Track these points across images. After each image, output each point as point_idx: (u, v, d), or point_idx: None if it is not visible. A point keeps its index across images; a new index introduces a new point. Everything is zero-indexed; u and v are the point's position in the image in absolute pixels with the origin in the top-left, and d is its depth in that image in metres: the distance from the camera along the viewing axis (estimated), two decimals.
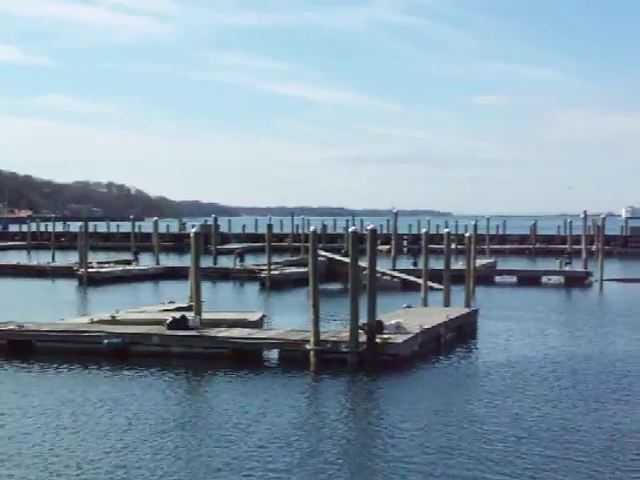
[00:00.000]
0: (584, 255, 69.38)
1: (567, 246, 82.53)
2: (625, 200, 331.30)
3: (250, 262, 76.09)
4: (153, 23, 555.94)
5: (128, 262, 75.76)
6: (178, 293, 47.26)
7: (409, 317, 34.49)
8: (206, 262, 63.17)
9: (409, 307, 39.50)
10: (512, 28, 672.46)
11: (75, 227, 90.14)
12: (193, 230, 36.74)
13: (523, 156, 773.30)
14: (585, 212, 78.79)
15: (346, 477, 17.29)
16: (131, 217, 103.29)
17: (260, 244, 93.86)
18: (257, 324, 35.15)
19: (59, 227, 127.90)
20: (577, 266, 68.52)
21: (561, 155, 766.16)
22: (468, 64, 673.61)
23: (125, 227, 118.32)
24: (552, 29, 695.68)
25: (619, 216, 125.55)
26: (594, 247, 71.90)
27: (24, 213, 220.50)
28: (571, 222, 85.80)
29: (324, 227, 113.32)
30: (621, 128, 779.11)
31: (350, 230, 34.25)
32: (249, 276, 65.61)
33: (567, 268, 67.93)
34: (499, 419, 21.91)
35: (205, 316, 33.77)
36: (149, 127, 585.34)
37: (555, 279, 65.38)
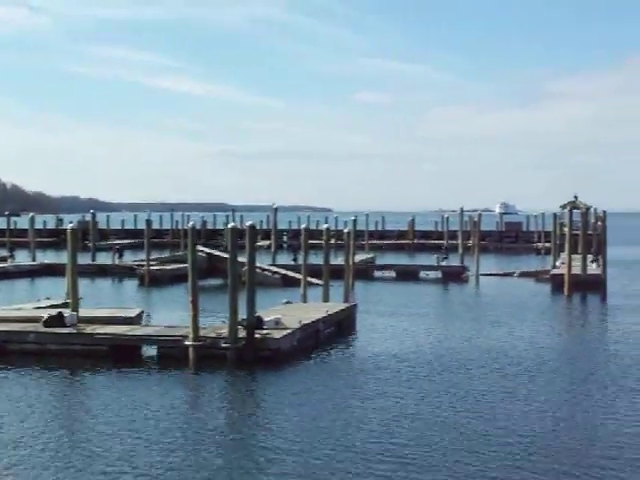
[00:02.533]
0: (460, 250, 70.78)
1: (444, 241, 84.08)
2: (499, 196, 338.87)
3: (129, 258, 75.25)
4: (21, 14, 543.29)
5: (3, 259, 74.00)
6: (55, 290, 46.40)
7: (288, 312, 34.64)
8: (84, 258, 62.15)
9: (289, 302, 39.69)
10: (393, 25, 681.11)
11: None
12: (70, 226, 36.16)
13: (403, 152, 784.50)
14: (461, 208, 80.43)
15: (225, 473, 17.32)
16: (6, 213, 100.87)
17: (139, 240, 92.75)
18: (135, 320, 34.80)
19: None
20: (454, 261, 69.80)
21: (439, 151, 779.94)
22: (349, 61, 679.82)
23: (0, 223, 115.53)
24: (433, 26, 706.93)
25: (492, 211, 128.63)
26: (470, 242, 73.28)
27: None
28: (448, 218, 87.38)
29: (204, 223, 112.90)
30: (497, 125, 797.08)
31: (229, 226, 34.23)
32: (128, 272, 64.91)
33: (444, 263, 69.09)
34: (375, 412, 22.24)
35: (82, 313, 33.26)
36: (26, 121, 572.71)
37: (433, 274, 66.50)
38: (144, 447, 18.93)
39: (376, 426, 20.83)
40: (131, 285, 58.92)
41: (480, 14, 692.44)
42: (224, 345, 28.89)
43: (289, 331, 30.50)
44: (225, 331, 29.37)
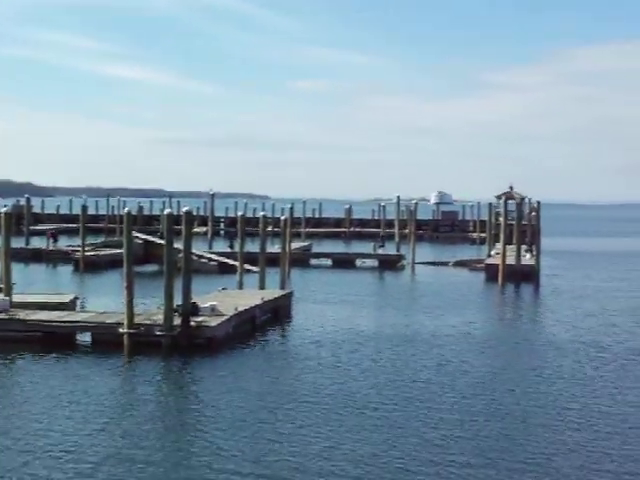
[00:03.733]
0: (397, 239, 71.20)
1: (381, 230, 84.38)
2: (436, 186, 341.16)
3: (64, 243, 74.41)
4: None
5: None
6: None
7: (224, 299, 34.60)
8: (18, 243, 61.41)
9: (225, 289, 39.64)
10: (334, 13, 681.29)
11: None
12: (3, 210, 35.69)
13: (341, 141, 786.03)
14: (398, 197, 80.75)
15: (159, 459, 17.31)
16: None
17: (74, 225, 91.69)
18: (69, 306, 34.47)
19: None
20: (390, 249, 70.22)
21: (375, 140, 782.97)
22: (289, 48, 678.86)
23: None
24: (372, 15, 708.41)
25: (427, 201, 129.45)
26: (407, 231, 73.74)
27: None
28: (385, 207, 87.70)
29: (140, 209, 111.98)
30: (435, 115, 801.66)
31: (166, 212, 34.05)
32: (62, 257, 64.21)
33: (381, 251, 69.49)
34: (309, 396, 22.39)
35: (15, 298, 32.90)
36: None
37: (369, 262, 66.86)
38: (75, 434, 18.84)
39: (307, 410, 21.03)
40: (65, 270, 58.33)
41: (420, 5, 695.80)
42: (159, 332, 28.76)
43: (225, 318, 30.48)
44: (160, 318, 29.25)
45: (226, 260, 58.29)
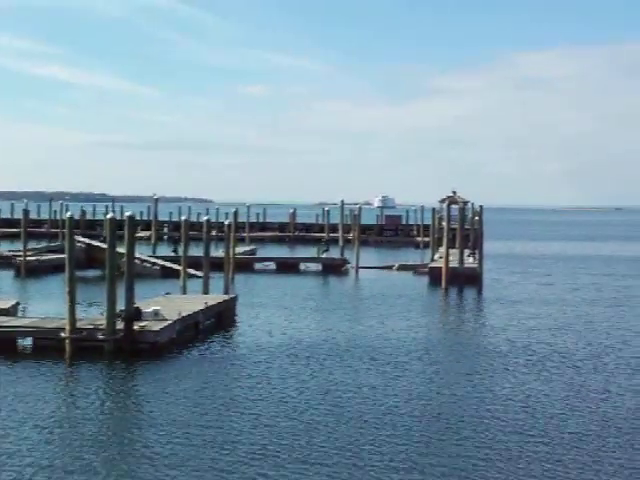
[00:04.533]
0: (341, 243, 71.39)
1: (325, 234, 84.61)
2: (380, 190, 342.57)
3: (5, 248, 73.53)
4: None
5: None
6: None
7: (168, 304, 34.46)
8: None
9: (168, 294, 39.45)
10: (277, 17, 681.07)
11: None
12: None
13: (287, 145, 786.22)
14: (342, 201, 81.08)
15: (97, 464, 17.20)
16: None
17: (16, 230, 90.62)
18: (10, 312, 34.07)
19: None
20: (334, 254, 70.37)
21: (320, 144, 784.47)
22: (232, 52, 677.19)
23: None
24: (316, 19, 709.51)
25: (371, 205, 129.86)
26: (351, 235, 73.99)
27: None
28: (329, 211, 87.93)
29: (83, 213, 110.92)
30: (378, 119, 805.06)
31: (108, 216, 33.84)
32: (3, 262, 63.37)
33: (325, 256, 69.64)
34: (249, 401, 22.41)
35: None
36: None
37: (313, 266, 66.95)
38: (13, 440, 18.65)
39: (249, 414, 21.09)
40: (7, 275, 57.57)
41: (363, 12, 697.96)
42: (101, 337, 28.58)
43: (168, 323, 30.36)
44: (103, 323, 29.05)
45: (170, 265, 58.01)
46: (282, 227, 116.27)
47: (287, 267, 66.39)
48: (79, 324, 29.05)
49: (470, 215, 79.81)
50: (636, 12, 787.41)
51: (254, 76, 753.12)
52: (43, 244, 79.08)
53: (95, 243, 61.10)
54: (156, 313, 30.94)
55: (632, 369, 28.01)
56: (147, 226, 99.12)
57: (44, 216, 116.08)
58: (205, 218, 44.14)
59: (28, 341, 29.66)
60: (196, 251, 53.09)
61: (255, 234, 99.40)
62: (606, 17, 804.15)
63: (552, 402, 23.17)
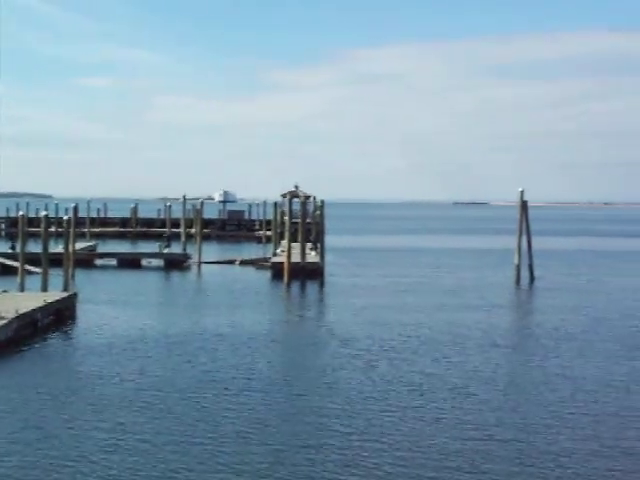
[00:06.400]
0: (183, 238, 71.10)
1: (167, 229, 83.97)
2: (223, 185, 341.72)
3: None
4: None
5: None
6: None
7: (4, 302, 33.70)
8: None
9: (5, 292, 38.51)
10: (120, 10, 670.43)
11: None
12: None
13: (126, 138, 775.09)
14: (184, 196, 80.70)
15: None
16: None
17: None
18: None
19: None
20: (176, 249, 70.02)
21: (163, 139, 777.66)
22: (74, 44, 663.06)
23: None
24: (158, 11, 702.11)
25: (213, 199, 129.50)
26: (193, 230, 73.72)
27: None
28: (170, 206, 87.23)
29: None
30: (221, 114, 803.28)
31: None
32: None
33: (167, 251, 69.20)
34: (90, 398, 22.24)
35: None
36: None
37: (155, 262, 66.45)
38: None
39: (87, 411, 20.99)
40: None
41: (211, 5, 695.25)
42: None
43: (5, 321, 29.70)
44: None
45: (6, 261, 56.57)
46: (124, 222, 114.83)
47: (129, 263, 65.68)
48: None
49: (312, 209, 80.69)
50: (470, 12, 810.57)
51: (100, 69, 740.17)
52: None
53: None
54: None
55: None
56: None
57: None
58: (43, 213, 43.25)
59: None
60: (35, 247, 52.01)
61: (96, 229, 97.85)
62: (443, 15, 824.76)
63: (394, 394, 23.83)
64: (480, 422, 20.63)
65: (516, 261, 54.98)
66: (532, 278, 55.07)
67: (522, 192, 54.91)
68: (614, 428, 20.38)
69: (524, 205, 55.42)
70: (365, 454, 17.99)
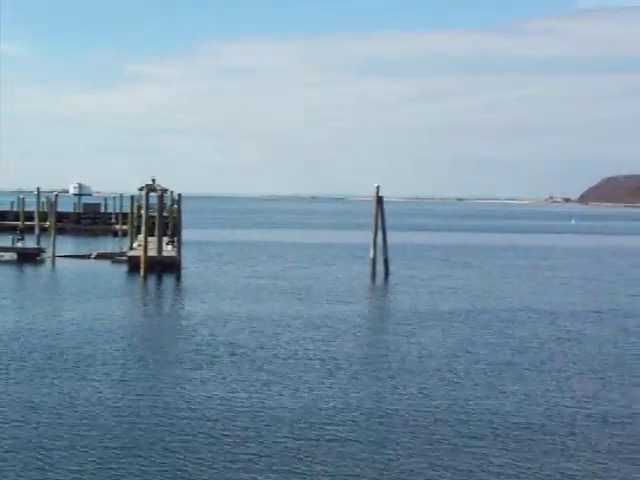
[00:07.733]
0: (37, 231, 69.77)
1: (20, 222, 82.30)
2: (77, 178, 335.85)
3: None
4: None
5: None
6: None
7: None
8: None
9: None
10: None
11: None
12: None
13: None
14: (38, 189, 79.21)
15: None
16: None
17: None
18: None
19: None
20: (30, 243, 68.69)
21: (23, 131, 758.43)
22: None
23: None
24: (16, 4, 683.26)
25: (67, 192, 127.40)
26: (47, 224, 72.41)
27: None
28: (24, 198, 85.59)
29: None
30: (75, 106, 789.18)
31: None
32: None
33: (20, 244, 67.78)
34: None
35: None
36: None
37: (7, 255, 64.99)
38: None
39: None
40: None
41: None
42: None
43: None
44: None
45: None
46: None
47: None
48: None
49: (169, 203, 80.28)
50: (331, 7, 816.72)
51: None
52: None
53: None
54: None
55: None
56: None
57: None
58: None
59: None
60: None
61: None
62: (300, 9, 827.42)
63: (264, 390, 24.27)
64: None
65: (372, 255, 56.15)
66: (387, 273, 56.27)
67: (378, 187, 56.13)
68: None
69: (380, 200, 56.61)
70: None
